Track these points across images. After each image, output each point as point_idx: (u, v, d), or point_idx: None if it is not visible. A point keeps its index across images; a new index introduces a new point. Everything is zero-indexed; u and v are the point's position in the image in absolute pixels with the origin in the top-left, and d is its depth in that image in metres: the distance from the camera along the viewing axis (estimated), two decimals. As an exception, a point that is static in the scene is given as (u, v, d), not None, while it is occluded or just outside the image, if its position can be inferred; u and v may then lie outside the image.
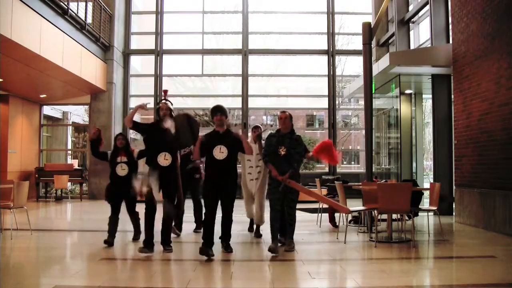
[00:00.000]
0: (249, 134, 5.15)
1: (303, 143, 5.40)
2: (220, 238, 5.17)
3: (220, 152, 4.99)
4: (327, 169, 13.77)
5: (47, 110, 13.94)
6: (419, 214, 7.56)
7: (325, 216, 7.42)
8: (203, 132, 5.34)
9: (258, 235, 6.23)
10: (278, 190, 5.17)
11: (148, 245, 4.99)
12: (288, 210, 5.33)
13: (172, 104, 5.31)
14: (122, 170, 5.70)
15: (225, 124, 5.15)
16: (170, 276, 4.38)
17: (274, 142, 5.25)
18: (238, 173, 5.25)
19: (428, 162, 13.47)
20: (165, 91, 5.57)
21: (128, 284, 3.86)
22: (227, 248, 5.19)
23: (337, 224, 7.05)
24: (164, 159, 5.10)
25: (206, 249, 4.83)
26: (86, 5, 10.98)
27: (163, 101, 5.30)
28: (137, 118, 5.31)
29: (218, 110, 5.14)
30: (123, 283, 3.90)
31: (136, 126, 5.22)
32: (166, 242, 5.20)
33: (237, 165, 5.29)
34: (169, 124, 5.06)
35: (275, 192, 5.25)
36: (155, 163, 5.08)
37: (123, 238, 6.13)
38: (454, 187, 8.33)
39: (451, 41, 8.50)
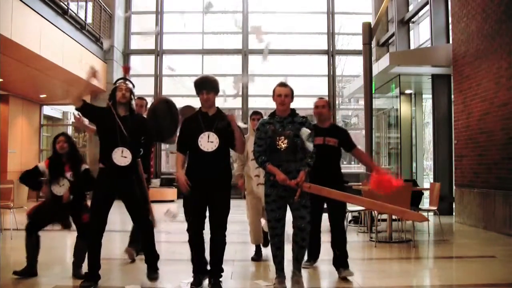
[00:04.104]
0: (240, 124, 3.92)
1: (312, 125, 3.75)
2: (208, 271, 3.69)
3: (208, 142, 3.56)
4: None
5: (47, 110, 13.93)
6: (419, 214, 7.55)
7: (325, 216, 7.39)
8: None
9: (266, 243, 4.83)
10: (279, 206, 3.62)
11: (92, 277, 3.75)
12: (297, 224, 3.62)
13: (133, 86, 3.98)
14: (60, 187, 4.28)
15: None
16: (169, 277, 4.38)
17: (270, 133, 3.66)
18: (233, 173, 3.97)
19: (428, 162, 13.46)
20: (126, 68, 4.33)
21: (128, 284, 3.85)
22: (214, 286, 3.56)
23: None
24: (121, 156, 3.73)
25: (197, 279, 3.66)
26: (86, 5, 10.99)
27: (121, 81, 3.98)
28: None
29: (203, 85, 3.68)
30: (123, 283, 3.90)
31: (88, 109, 3.86)
32: (151, 268, 4.00)
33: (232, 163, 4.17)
34: (123, 111, 3.83)
35: (274, 208, 3.62)
36: (110, 162, 3.75)
37: (123, 238, 6.12)
38: (454, 187, 8.34)
39: (451, 41, 8.50)
